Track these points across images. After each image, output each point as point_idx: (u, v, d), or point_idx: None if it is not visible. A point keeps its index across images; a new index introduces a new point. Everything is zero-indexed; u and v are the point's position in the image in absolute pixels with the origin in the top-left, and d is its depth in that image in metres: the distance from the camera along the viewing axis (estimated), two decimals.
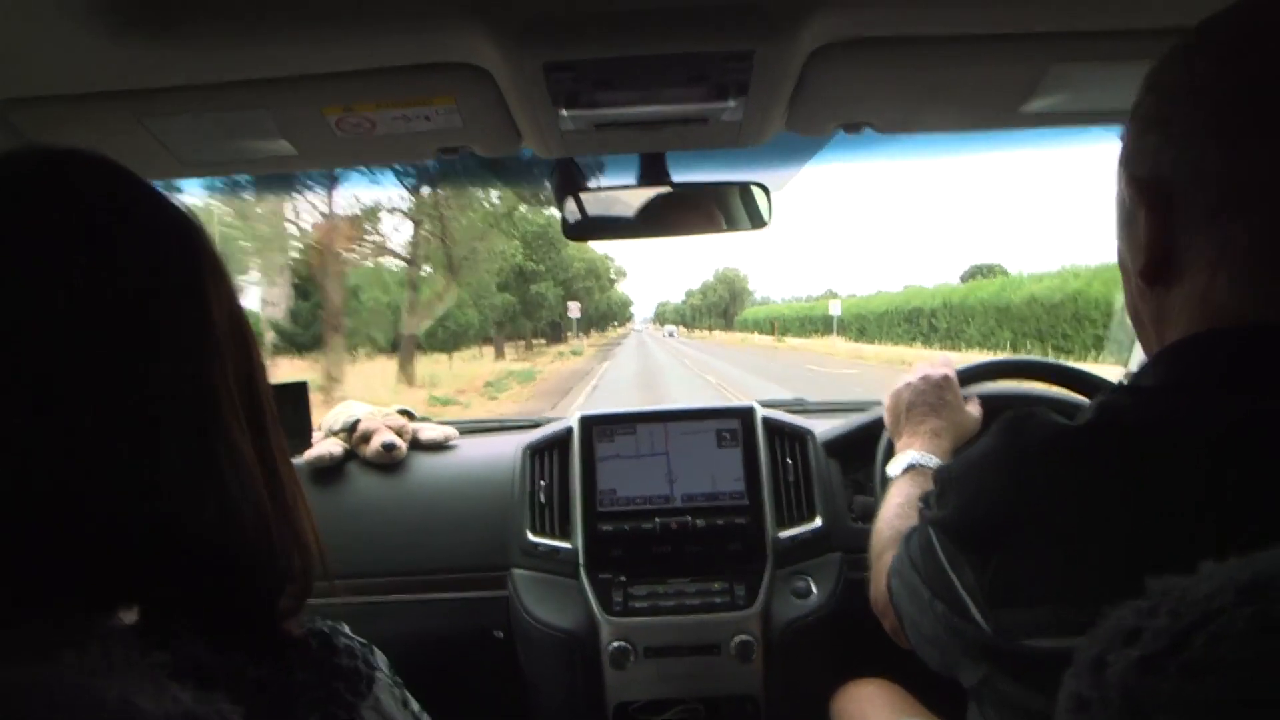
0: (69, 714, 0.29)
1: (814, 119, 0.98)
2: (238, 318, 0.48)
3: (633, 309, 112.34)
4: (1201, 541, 0.48)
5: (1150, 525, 0.50)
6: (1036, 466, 0.57)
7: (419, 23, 0.75)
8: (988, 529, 0.58)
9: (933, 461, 1.01)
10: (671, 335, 72.43)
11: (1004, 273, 41.14)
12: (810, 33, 0.79)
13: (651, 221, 1.14)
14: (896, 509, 0.96)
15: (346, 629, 0.50)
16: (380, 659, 0.51)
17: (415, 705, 0.53)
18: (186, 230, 0.46)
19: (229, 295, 0.48)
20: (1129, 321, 0.68)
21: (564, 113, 0.89)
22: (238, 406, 0.46)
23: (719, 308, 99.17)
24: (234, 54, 0.78)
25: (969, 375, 1.19)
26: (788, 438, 1.45)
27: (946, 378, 1.13)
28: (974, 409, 1.14)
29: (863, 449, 1.42)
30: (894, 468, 1.04)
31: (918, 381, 1.13)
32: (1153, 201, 0.57)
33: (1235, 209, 0.52)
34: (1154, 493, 0.51)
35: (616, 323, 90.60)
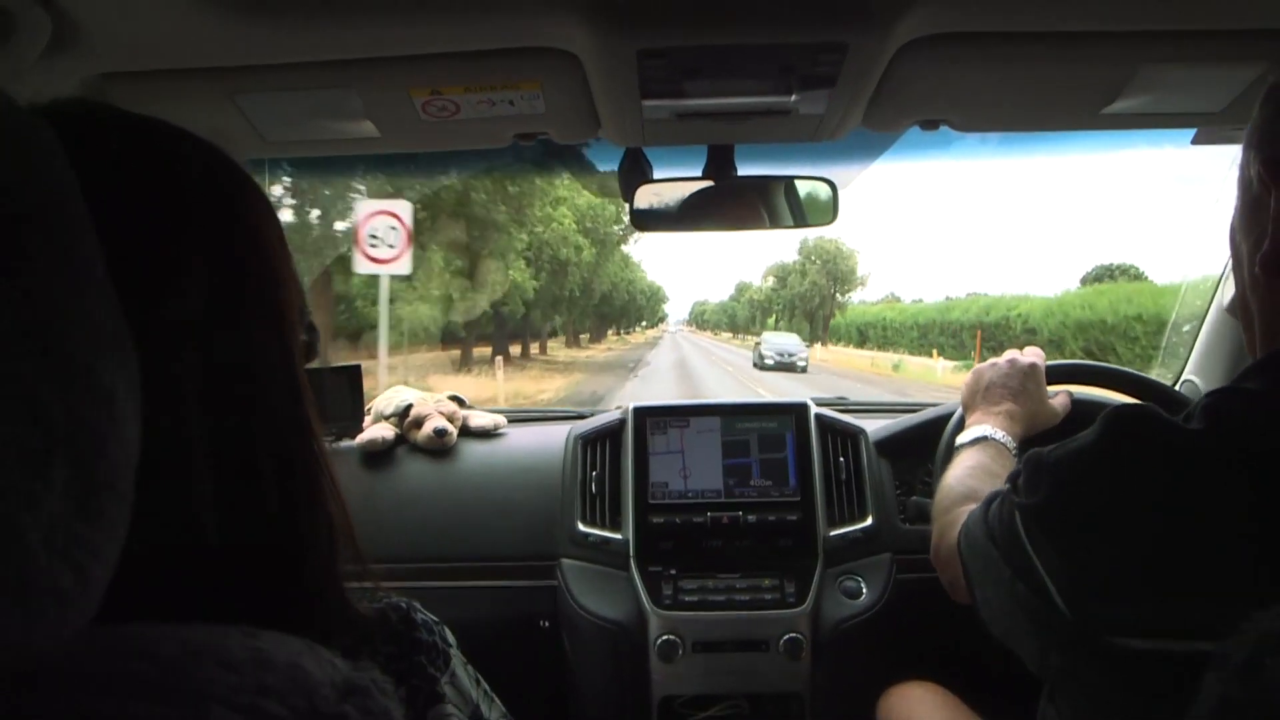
0: (242, 672, 0.29)
1: (893, 115, 0.98)
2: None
3: (666, 306, 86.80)
4: None
5: (1267, 531, 0.50)
6: (1146, 466, 0.56)
7: (513, 6, 0.75)
8: (1082, 522, 0.58)
9: (1004, 438, 1.00)
10: (791, 358, 24.96)
11: (1140, 276, 31.84)
12: (906, 25, 0.78)
13: (719, 214, 1.14)
14: (967, 470, 0.96)
15: (419, 605, 0.50)
16: (450, 636, 0.50)
17: (485, 684, 0.53)
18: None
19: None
20: (1177, 335, 0.67)
21: (648, 101, 0.89)
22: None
23: (809, 302, 56.43)
24: (328, 32, 0.79)
25: (1057, 372, 1.18)
26: (840, 436, 1.45)
27: (1034, 366, 1.12)
28: (1059, 405, 1.14)
29: (915, 449, 1.41)
30: (963, 438, 1.03)
31: (1004, 364, 1.13)
32: None
33: None
34: (1270, 499, 0.50)
35: (644, 323, 69.31)
